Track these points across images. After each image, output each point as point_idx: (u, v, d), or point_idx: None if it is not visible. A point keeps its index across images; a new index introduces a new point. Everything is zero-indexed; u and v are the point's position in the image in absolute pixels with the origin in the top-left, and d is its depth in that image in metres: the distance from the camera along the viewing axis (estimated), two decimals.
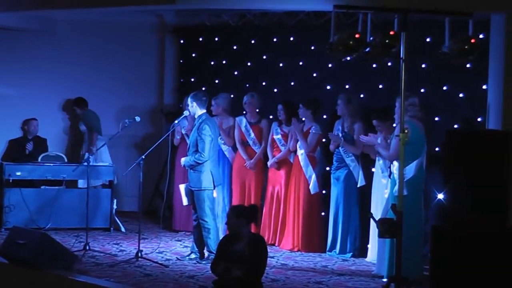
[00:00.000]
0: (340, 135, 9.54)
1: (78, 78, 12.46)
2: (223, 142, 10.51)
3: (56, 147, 12.40)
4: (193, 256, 9.18)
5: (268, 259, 7.40)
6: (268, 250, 7.31)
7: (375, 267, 8.72)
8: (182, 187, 9.31)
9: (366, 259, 9.31)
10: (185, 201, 9.34)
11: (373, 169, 9.23)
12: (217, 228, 9.23)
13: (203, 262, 8.97)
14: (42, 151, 11.94)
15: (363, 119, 9.49)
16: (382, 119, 8.87)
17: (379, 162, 8.94)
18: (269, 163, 10.25)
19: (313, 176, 9.82)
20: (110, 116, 12.30)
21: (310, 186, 9.83)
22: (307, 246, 9.82)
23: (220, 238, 8.99)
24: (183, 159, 9.21)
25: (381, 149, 8.55)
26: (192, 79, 12.21)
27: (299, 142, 9.90)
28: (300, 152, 9.88)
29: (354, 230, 9.54)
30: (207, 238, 9.01)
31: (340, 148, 9.57)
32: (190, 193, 9.13)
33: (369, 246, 9.32)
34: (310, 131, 9.86)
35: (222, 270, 6.69)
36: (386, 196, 8.48)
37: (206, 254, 9.08)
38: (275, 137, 10.22)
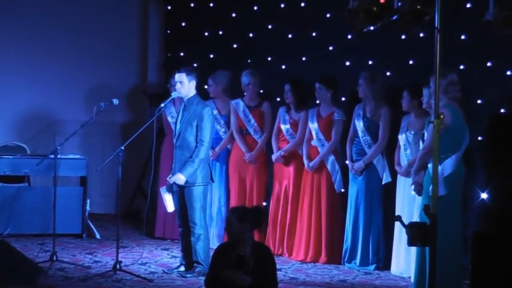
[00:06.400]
0: (361, 126, 9.57)
1: (42, 52, 12.48)
2: (223, 130, 10.56)
3: (13, 136, 12.39)
4: (182, 268, 9.21)
5: None
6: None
7: (404, 281, 8.79)
8: (166, 193, 9.22)
9: (391, 271, 9.38)
10: (170, 207, 9.25)
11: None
12: (208, 233, 9.27)
13: (188, 275, 8.99)
14: None
15: (389, 103, 9.53)
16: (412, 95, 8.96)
17: (406, 152, 8.98)
18: (273, 157, 10.29)
19: (339, 171, 9.87)
20: (82, 98, 12.36)
21: (336, 183, 9.87)
22: (329, 256, 9.83)
23: (211, 246, 9.06)
24: (181, 177, 8.91)
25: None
26: (182, 54, 12.26)
27: (315, 129, 9.91)
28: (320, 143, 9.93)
29: (377, 237, 9.57)
30: (195, 244, 8.96)
31: (360, 136, 9.60)
32: (178, 193, 9.11)
33: (393, 255, 9.38)
34: (333, 117, 9.88)
35: (229, 274, 6.62)
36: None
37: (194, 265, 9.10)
38: (282, 126, 10.23)
